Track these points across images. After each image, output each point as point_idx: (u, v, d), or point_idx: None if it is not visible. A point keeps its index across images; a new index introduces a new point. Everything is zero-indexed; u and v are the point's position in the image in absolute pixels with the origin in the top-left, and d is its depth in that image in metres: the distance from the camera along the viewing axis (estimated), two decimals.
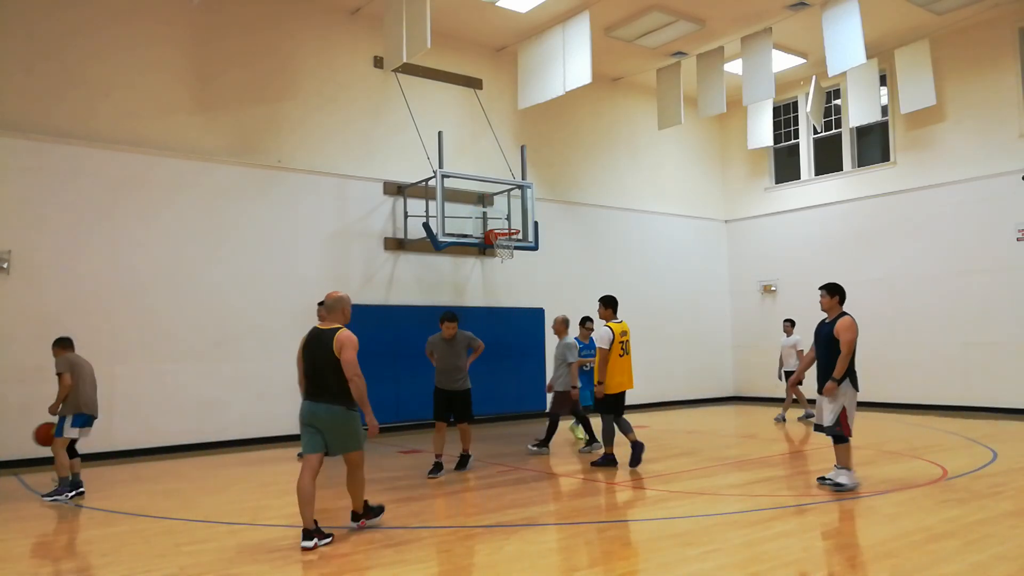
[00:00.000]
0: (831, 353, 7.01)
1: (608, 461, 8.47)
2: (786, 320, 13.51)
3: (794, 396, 13.04)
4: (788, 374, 12.99)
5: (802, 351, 12.39)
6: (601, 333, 8.33)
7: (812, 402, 11.87)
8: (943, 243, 13.99)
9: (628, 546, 5.28)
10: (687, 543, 5.29)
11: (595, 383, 8.49)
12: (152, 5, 10.95)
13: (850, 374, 7.02)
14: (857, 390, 7.07)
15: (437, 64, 13.32)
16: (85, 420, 7.57)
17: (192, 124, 11.19)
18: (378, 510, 6.05)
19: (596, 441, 9.77)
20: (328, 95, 12.39)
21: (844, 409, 6.96)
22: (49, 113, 10.11)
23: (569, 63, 12.18)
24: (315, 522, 5.38)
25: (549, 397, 10.24)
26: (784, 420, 12.87)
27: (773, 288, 16.80)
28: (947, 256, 13.92)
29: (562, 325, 10.09)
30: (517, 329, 13.97)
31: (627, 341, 8.51)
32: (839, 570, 4.63)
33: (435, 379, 8.45)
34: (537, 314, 14.30)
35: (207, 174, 11.12)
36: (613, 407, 8.44)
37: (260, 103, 11.76)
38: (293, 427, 11.48)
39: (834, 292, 7.26)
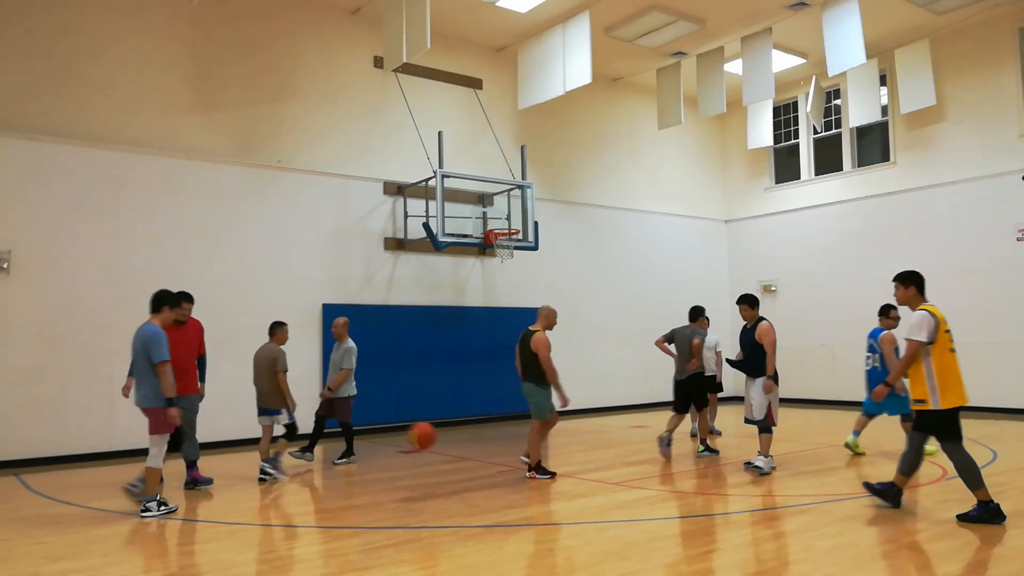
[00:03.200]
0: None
1: (989, 513, 5.65)
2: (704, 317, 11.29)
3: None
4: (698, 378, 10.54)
5: (720, 352, 10.98)
6: (915, 318, 5.95)
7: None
8: (943, 243, 13.98)
9: (628, 546, 5.28)
10: (687, 543, 5.29)
11: (884, 384, 6.43)
12: (152, 5, 10.95)
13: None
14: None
15: (437, 64, 13.32)
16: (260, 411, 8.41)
17: (192, 124, 11.19)
18: (548, 473, 7.93)
19: (310, 453, 9.12)
20: (328, 95, 12.39)
21: (770, 404, 7.93)
22: (48, 113, 10.11)
23: (569, 63, 12.18)
24: (539, 463, 7.95)
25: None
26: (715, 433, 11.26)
27: (773, 288, 16.80)
28: (947, 256, 13.90)
29: (343, 328, 9.24)
30: (517, 329, 13.74)
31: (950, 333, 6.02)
32: (839, 570, 4.63)
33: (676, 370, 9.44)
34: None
35: (207, 174, 11.12)
36: (955, 430, 5.84)
37: (260, 103, 11.76)
38: None
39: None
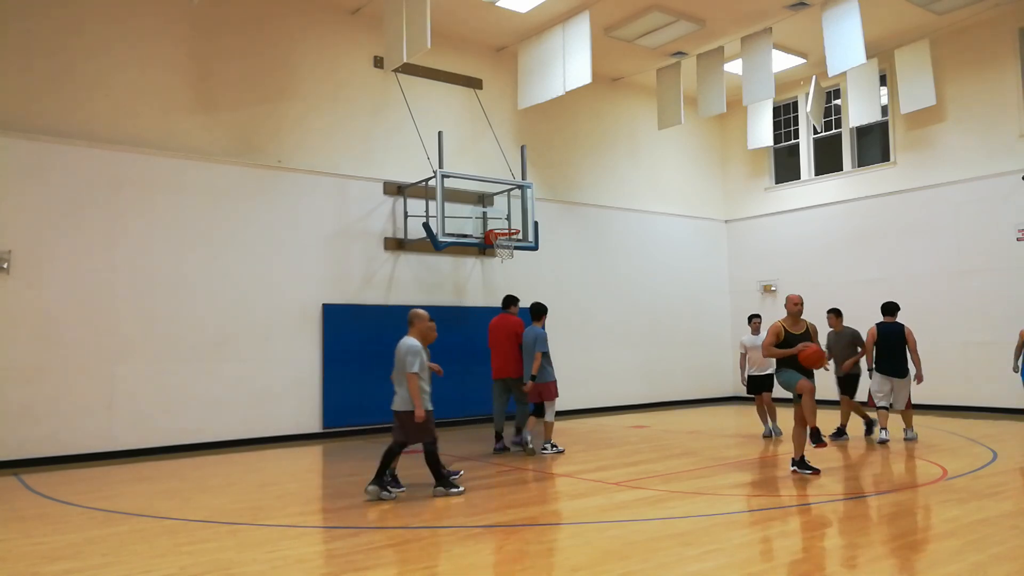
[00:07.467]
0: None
1: None
2: (757, 316, 11.32)
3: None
4: (757, 379, 10.86)
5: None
6: None
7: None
8: (943, 243, 13.99)
9: (628, 546, 5.27)
10: (687, 543, 5.28)
11: None
12: (152, 4, 10.95)
13: None
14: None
15: (437, 64, 13.32)
16: None
17: (192, 124, 11.19)
18: (810, 469, 7.79)
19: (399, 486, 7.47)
20: (328, 95, 12.39)
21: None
22: (48, 112, 10.11)
23: (569, 63, 12.18)
24: (801, 458, 7.93)
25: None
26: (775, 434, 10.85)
27: (773, 288, 16.80)
28: (947, 256, 13.91)
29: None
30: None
31: None
32: (839, 570, 4.63)
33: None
34: None
35: (207, 174, 11.12)
36: None
37: (260, 103, 11.76)
38: (293, 427, 11.50)
39: None
